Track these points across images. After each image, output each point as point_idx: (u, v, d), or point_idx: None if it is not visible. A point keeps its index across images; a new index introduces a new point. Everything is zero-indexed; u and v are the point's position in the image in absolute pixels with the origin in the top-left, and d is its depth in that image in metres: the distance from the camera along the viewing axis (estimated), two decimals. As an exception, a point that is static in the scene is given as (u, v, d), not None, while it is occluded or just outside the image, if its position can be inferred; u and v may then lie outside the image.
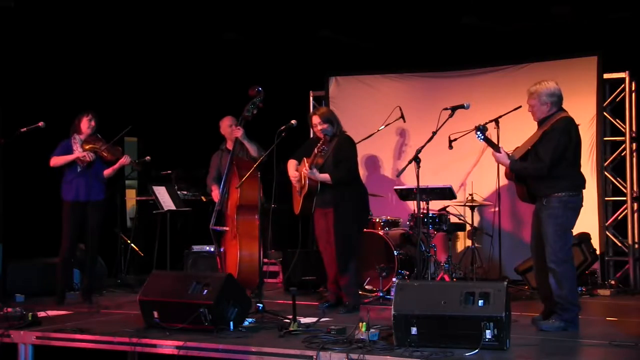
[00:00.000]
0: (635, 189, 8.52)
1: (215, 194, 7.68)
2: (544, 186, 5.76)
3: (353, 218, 6.84)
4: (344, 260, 6.73)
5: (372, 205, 8.44)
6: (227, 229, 7.32)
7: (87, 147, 7.34)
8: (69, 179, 7.37)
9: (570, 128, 5.77)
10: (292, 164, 6.97)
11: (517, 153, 5.93)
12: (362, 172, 9.27)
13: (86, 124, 7.34)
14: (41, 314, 6.16)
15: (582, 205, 5.86)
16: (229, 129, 7.80)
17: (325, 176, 6.68)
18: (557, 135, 5.72)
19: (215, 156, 7.98)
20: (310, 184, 6.73)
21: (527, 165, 5.83)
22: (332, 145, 6.77)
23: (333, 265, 6.83)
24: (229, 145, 7.78)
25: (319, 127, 6.80)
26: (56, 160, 7.34)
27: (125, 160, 7.39)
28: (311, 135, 9.56)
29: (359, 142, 7.51)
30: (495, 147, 5.94)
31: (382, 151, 9.31)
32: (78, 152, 7.32)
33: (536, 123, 5.95)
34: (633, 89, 8.60)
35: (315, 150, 6.58)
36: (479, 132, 5.95)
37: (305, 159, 6.80)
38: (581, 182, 5.86)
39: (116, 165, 7.42)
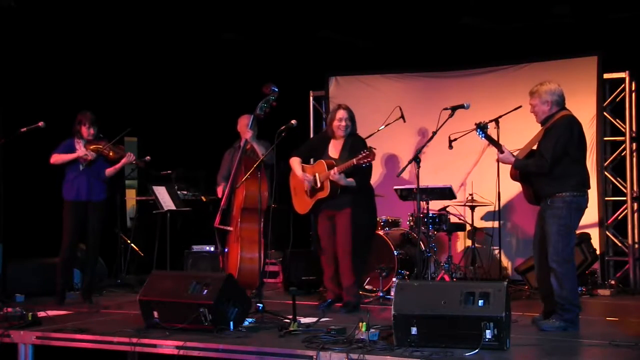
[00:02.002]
0: (635, 189, 8.52)
1: (220, 190, 7.66)
2: (547, 186, 5.77)
3: (367, 220, 6.94)
4: (355, 261, 6.76)
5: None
6: (230, 229, 7.31)
7: (91, 147, 7.34)
8: (70, 178, 7.36)
9: (572, 125, 5.78)
10: (296, 161, 6.93)
11: (520, 154, 5.94)
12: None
13: (86, 132, 7.34)
14: (41, 314, 6.16)
15: (586, 206, 5.87)
16: (246, 127, 7.71)
17: (351, 181, 6.68)
18: (558, 131, 5.73)
19: (227, 154, 7.92)
20: (333, 188, 6.70)
21: (529, 162, 5.84)
22: (348, 144, 6.77)
23: (332, 263, 6.86)
24: (242, 144, 7.72)
25: (344, 123, 6.77)
26: (57, 158, 7.33)
27: (128, 158, 7.37)
28: (311, 134, 9.64)
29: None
30: (498, 147, 5.94)
31: (382, 151, 9.29)
32: (80, 150, 7.33)
33: (539, 124, 5.96)
34: (633, 89, 8.60)
35: (355, 160, 6.47)
36: (479, 130, 5.96)
37: (323, 161, 6.76)
38: (586, 180, 5.85)
39: (119, 164, 7.40)
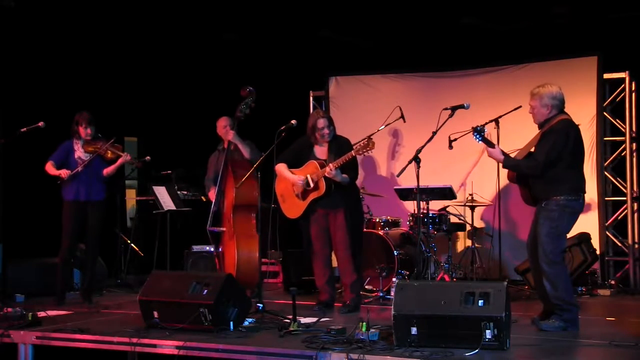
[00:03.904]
0: (635, 189, 8.52)
1: (212, 194, 7.68)
2: (543, 189, 5.77)
3: (359, 217, 7.05)
4: (356, 259, 6.80)
5: (372, 205, 8.46)
6: (224, 229, 7.31)
7: (89, 148, 7.37)
8: (69, 179, 7.36)
9: (568, 130, 5.76)
10: (284, 167, 6.87)
11: (518, 156, 5.93)
12: (362, 172, 9.29)
13: (83, 132, 7.35)
14: (41, 314, 6.16)
15: (581, 210, 5.85)
16: (224, 129, 7.80)
17: (346, 177, 6.69)
18: (554, 136, 5.72)
19: (213, 157, 7.98)
20: (328, 185, 6.68)
21: (521, 163, 5.83)
22: (333, 146, 6.78)
23: (329, 266, 6.89)
24: (226, 146, 7.78)
25: (327, 131, 6.78)
26: (49, 169, 7.36)
27: (124, 158, 7.38)
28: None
29: (359, 142, 7.51)
30: (490, 144, 5.94)
31: (382, 151, 9.30)
32: (80, 152, 7.37)
33: (537, 125, 5.95)
34: (633, 89, 8.60)
35: (354, 152, 6.50)
36: (476, 134, 5.95)
37: (314, 161, 6.76)
38: (581, 185, 5.83)
39: (117, 163, 7.41)
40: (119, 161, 7.40)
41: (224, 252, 7.35)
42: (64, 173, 7.28)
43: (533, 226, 5.93)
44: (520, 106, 6.86)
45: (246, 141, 7.46)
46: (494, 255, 8.44)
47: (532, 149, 5.86)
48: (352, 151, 6.53)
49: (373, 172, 9.44)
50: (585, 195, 5.90)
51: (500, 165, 6.04)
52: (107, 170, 7.45)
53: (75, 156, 7.40)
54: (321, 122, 6.79)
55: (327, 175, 6.60)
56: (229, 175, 7.23)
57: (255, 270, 6.80)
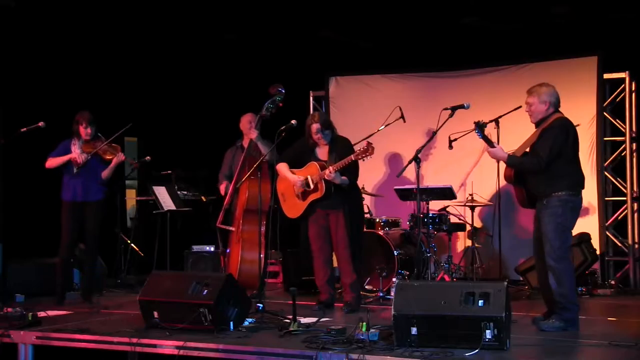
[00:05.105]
0: (635, 189, 8.52)
1: (222, 189, 7.65)
2: (543, 185, 5.78)
3: (360, 218, 7.06)
4: (355, 259, 6.80)
5: (372, 205, 8.46)
6: (232, 229, 7.29)
7: (87, 148, 7.34)
8: (67, 179, 7.37)
9: (568, 128, 5.81)
10: (285, 167, 6.88)
11: (516, 154, 5.94)
12: (388, 170, 9.28)
13: (83, 132, 7.33)
14: (41, 314, 6.16)
15: (581, 206, 5.88)
16: (249, 125, 7.62)
17: (345, 179, 6.69)
18: (555, 132, 5.75)
19: (229, 152, 7.90)
20: (327, 187, 6.67)
21: (524, 160, 5.85)
22: (334, 147, 6.77)
23: (329, 266, 6.89)
24: (245, 143, 7.64)
25: (321, 135, 6.76)
26: (51, 162, 7.35)
27: (118, 158, 7.32)
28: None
29: (359, 142, 7.52)
30: (490, 143, 5.95)
31: (382, 151, 9.28)
32: (75, 152, 7.34)
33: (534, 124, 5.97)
34: (633, 89, 8.60)
35: (354, 156, 6.47)
36: (477, 129, 5.96)
37: (315, 162, 6.76)
38: (580, 181, 5.87)
39: (111, 164, 7.36)
40: (113, 162, 7.35)
41: (230, 252, 7.34)
42: (80, 158, 7.24)
43: (536, 226, 5.93)
44: (521, 106, 6.84)
45: (265, 141, 7.34)
46: (494, 255, 8.44)
47: (527, 149, 5.88)
48: (352, 155, 6.53)
49: (375, 172, 9.38)
50: (585, 195, 5.92)
51: (504, 162, 6.03)
52: (105, 174, 7.41)
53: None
54: (314, 127, 6.78)
55: (326, 177, 6.60)
56: (245, 174, 7.17)
57: (257, 277, 6.79)
